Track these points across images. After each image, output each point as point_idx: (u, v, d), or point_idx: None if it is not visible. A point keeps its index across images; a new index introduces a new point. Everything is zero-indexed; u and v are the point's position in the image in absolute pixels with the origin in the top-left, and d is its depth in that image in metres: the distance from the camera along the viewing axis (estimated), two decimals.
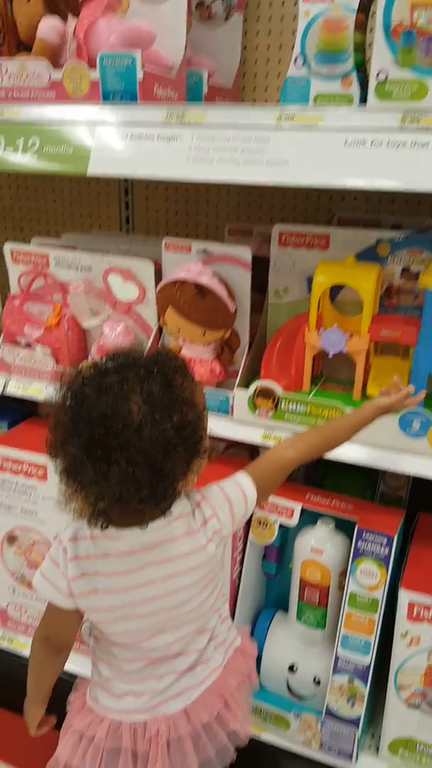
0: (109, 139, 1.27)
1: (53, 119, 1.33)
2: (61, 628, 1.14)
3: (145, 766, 1.09)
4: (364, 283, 1.33)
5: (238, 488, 1.09)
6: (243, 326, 1.47)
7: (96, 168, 1.27)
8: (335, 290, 1.44)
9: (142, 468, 0.91)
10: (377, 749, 1.48)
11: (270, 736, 1.51)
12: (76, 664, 1.46)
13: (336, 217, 1.78)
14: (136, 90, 1.29)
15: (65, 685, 1.24)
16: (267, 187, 1.88)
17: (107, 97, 1.32)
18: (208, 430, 1.06)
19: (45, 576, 1.09)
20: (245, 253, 1.41)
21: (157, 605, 1.05)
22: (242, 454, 1.69)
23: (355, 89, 1.28)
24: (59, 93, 1.37)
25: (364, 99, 1.25)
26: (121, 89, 1.30)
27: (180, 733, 1.09)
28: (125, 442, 0.90)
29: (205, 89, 1.52)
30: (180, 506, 1.04)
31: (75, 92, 1.35)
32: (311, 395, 1.43)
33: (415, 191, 1.07)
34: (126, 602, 1.05)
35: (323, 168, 1.12)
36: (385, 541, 1.38)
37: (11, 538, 1.70)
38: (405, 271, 1.42)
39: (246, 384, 1.44)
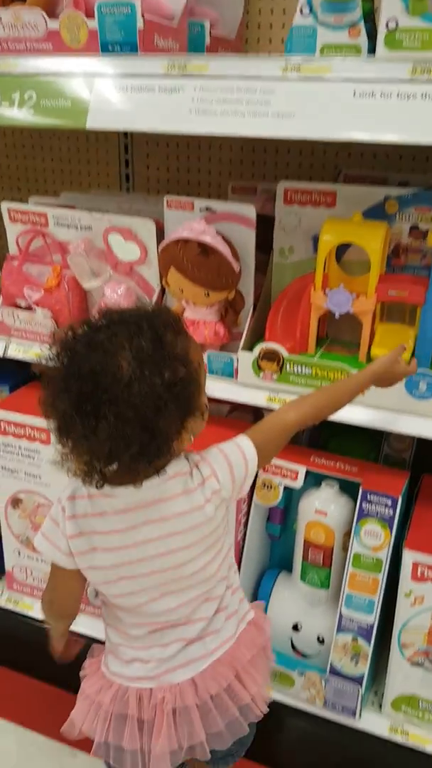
0: (108, 92, 1.23)
1: (50, 72, 1.29)
2: (64, 591, 1.14)
3: (150, 734, 1.09)
4: (372, 241, 1.30)
5: (239, 450, 1.08)
6: (247, 287, 1.45)
7: (95, 122, 1.23)
8: (341, 250, 1.41)
9: (131, 424, 0.91)
10: (380, 706, 1.50)
11: (275, 693, 1.52)
12: (87, 627, 1.48)
13: (342, 174, 1.74)
14: (136, 40, 1.24)
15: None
16: (271, 143, 1.83)
17: (106, 47, 1.27)
18: (207, 390, 1.05)
19: (46, 536, 1.09)
20: (249, 211, 1.37)
21: (155, 565, 1.05)
22: (246, 417, 1.68)
23: (363, 39, 1.24)
24: (56, 44, 1.32)
25: (372, 50, 1.21)
26: (120, 39, 1.26)
27: (186, 702, 1.09)
28: (114, 398, 0.90)
29: (207, 40, 1.47)
30: (177, 466, 1.03)
31: (72, 43, 1.30)
32: (316, 357, 1.42)
33: (425, 144, 1.04)
34: (124, 561, 1.05)
35: (331, 121, 1.09)
36: (389, 502, 1.37)
37: (15, 502, 1.70)
38: (413, 229, 1.39)
39: (250, 346, 1.42)
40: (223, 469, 1.05)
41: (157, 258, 1.45)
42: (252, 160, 1.88)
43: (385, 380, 1.23)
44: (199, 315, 1.44)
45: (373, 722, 1.48)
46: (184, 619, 1.10)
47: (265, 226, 1.47)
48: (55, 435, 0.97)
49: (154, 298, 1.51)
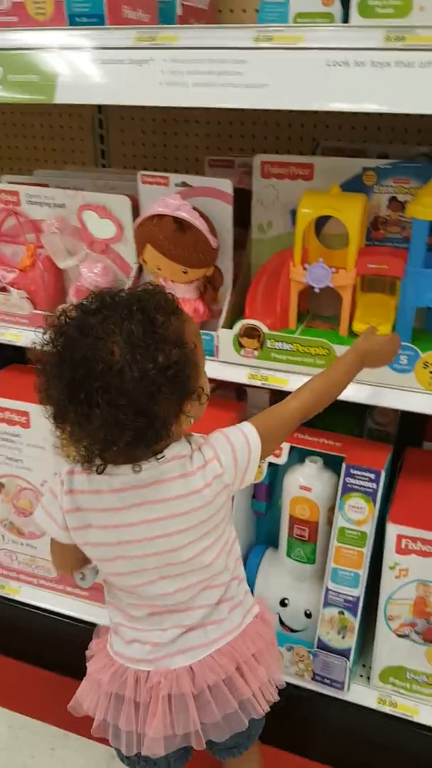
0: (76, 66, 1.19)
1: (17, 45, 1.25)
2: (63, 560, 1.16)
3: (146, 717, 1.08)
4: (350, 213, 1.28)
5: (242, 435, 1.06)
6: (226, 263, 1.43)
7: (64, 96, 1.20)
8: (321, 223, 1.40)
9: (124, 410, 0.89)
10: (368, 678, 1.51)
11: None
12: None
13: (320, 146, 1.72)
14: (103, 12, 1.21)
15: (86, 632, 1.25)
16: (248, 116, 1.80)
17: (74, 20, 1.24)
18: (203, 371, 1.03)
19: (44, 508, 1.09)
20: (226, 185, 1.35)
21: (151, 547, 1.04)
22: (229, 395, 1.67)
23: (336, 7, 1.21)
24: (22, 17, 1.28)
25: (346, 19, 1.18)
26: (87, 11, 1.22)
27: (182, 689, 1.08)
28: (106, 385, 0.88)
29: (179, 10, 1.44)
30: (176, 449, 1.02)
31: (38, 15, 1.26)
32: (297, 333, 1.40)
33: (399, 112, 1.02)
34: (120, 540, 1.04)
35: (304, 91, 1.06)
36: (372, 476, 1.37)
37: None
38: (392, 200, 1.37)
39: (230, 324, 1.40)
40: (225, 452, 1.04)
41: (133, 235, 1.43)
42: (229, 134, 1.85)
43: (373, 355, 1.22)
44: (178, 293, 1.39)
45: (362, 694, 1.50)
46: (182, 605, 1.09)
47: (243, 201, 1.44)
48: (52, 422, 0.96)
49: (132, 275, 1.49)
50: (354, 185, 1.37)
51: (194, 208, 1.33)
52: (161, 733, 1.07)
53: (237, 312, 1.45)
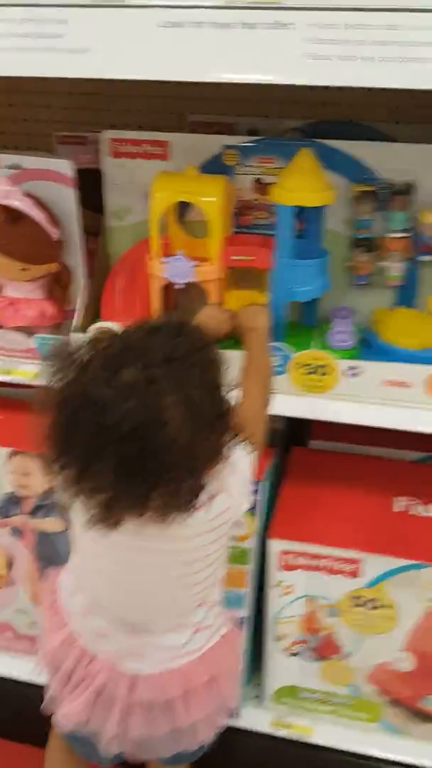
0: None
1: None
2: None
3: (72, 691, 1.02)
4: (208, 199, 1.14)
5: (245, 457, 0.96)
6: (75, 257, 1.26)
7: None
8: (184, 209, 1.25)
9: (185, 482, 0.81)
10: (262, 701, 1.41)
11: None
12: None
13: (188, 122, 1.56)
14: None
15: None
16: (104, 88, 1.61)
17: None
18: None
19: None
20: (65, 166, 1.18)
21: (129, 564, 0.95)
22: None
23: None
24: None
25: None
26: None
27: (115, 694, 0.99)
28: (170, 463, 0.78)
29: None
30: None
31: None
32: None
33: (243, 82, 0.88)
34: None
35: (132, 57, 0.90)
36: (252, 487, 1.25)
37: None
38: (258, 182, 1.24)
39: (85, 326, 1.24)
40: (236, 482, 0.94)
41: None
42: (84, 108, 1.66)
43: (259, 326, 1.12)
44: (21, 293, 1.24)
45: (256, 717, 1.39)
46: (147, 622, 1.00)
47: (98, 184, 1.28)
48: (88, 498, 0.82)
49: None
50: (215, 165, 1.23)
51: (27, 194, 1.15)
52: (75, 717, 1.01)
53: (93, 312, 1.29)
